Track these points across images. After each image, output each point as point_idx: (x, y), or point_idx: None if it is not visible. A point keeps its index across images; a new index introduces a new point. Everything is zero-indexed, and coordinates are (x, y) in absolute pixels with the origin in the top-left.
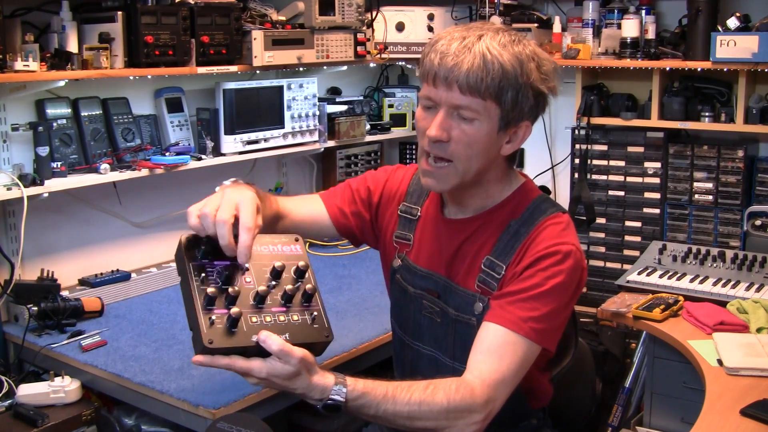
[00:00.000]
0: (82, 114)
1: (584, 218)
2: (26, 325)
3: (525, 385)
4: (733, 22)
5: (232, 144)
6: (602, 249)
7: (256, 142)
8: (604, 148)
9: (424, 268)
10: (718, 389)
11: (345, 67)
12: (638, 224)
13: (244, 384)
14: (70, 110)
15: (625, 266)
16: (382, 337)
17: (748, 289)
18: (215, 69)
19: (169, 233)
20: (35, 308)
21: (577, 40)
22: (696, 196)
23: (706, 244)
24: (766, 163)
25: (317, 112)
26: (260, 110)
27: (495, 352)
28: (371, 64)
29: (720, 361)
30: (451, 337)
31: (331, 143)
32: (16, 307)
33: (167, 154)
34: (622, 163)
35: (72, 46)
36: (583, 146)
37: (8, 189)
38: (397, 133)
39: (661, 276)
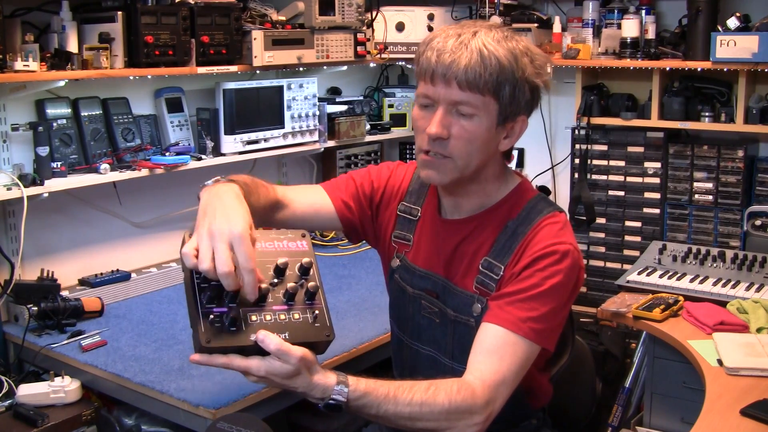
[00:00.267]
0: (82, 114)
1: (584, 218)
2: (26, 325)
3: (525, 385)
4: (733, 22)
5: (232, 144)
6: (602, 249)
7: (256, 142)
8: (604, 148)
9: (423, 269)
10: (718, 389)
11: (345, 67)
12: (638, 224)
13: (244, 384)
14: (70, 110)
15: (625, 266)
16: (382, 337)
17: (748, 289)
18: (215, 69)
19: (169, 233)
20: (35, 308)
21: (577, 40)
22: (696, 196)
23: (706, 244)
24: (766, 163)
25: (317, 112)
26: (260, 110)
27: (495, 353)
28: (371, 64)
29: (720, 361)
30: (449, 337)
31: (331, 143)
32: (16, 307)
33: (167, 154)
34: (622, 163)
35: (72, 46)
36: (583, 146)
37: (8, 189)
38: (397, 133)
39: (661, 276)
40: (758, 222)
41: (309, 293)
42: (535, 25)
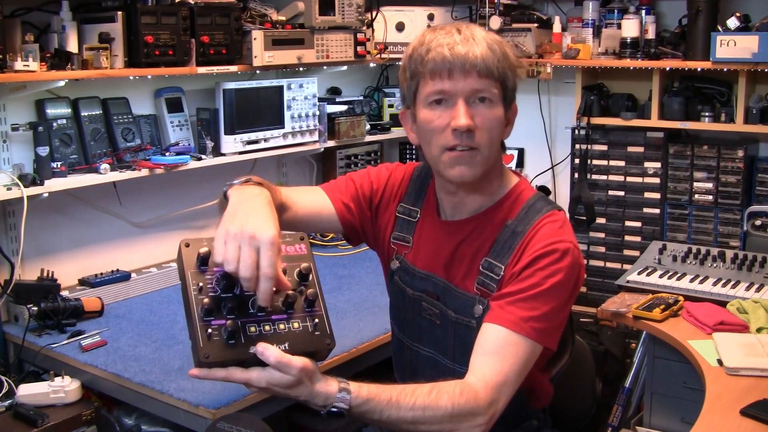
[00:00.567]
0: (82, 114)
1: (584, 218)
2: (26, 325)
3: (526, 385)
4: (733, 22)
5: (232, 144)
6: (602, 249)
7: (256, 142)
8: (604, 148)
9: (423, 270)
10: (718, 389)
11: (345, 67)
12: (638, 224)
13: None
14: (70, 110)
15: (625, 266)
16: (382, 337)
17: (748, 289)
18: (215, 69)
19: (169, 233)
20: (35, 308)
21: (577, 40)
22: (696, 196)
23: (706, 244)
24: (766, 163)
25: (317, 112)
26: (260, 110)
27: (497, 354)
28: (371, 64)
29: (720, 361)
30: (450, 338)
31: (331, 143)
32: (16, 307)
33: (167, 154)
34: (622, 163)
35: (72, 46)
36: (583, 146)
37: (8, 189)
38: (397, 133)
39: (661, 276)
40: (758, 222)
41: (308, 300)
42: (535, 25)
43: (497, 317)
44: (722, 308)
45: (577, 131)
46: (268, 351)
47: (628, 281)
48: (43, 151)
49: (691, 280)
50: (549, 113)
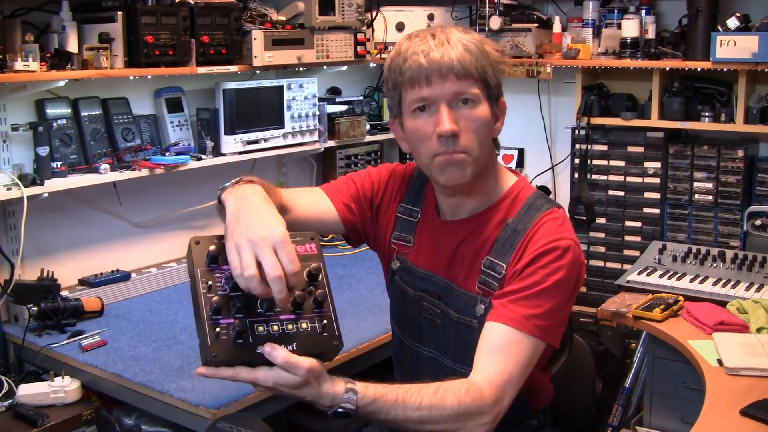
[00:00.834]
0: (82, 114)
1: (584, 218)
2: (26, 325)
3: (526, 385)
4: (733, 22)
5: (232, 144)
6: (602, 249)
7: (256, 142)
8: (604, 148)
9: (424, 270)
10: (718, 389)
11: (345, 67)
12: (638, 224)
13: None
14: (70, 110)
15: (625, 266)
16: (382, 337)
17: (748, 289)
18: (215, 69)
19: (169, 233)
20: (35, 308)
21: (577, 40)
22: (696, 196)
23: (706, 244)
24: (766, 163)
25: (317, 112)
26: (260, 110)
27: (501, 352)
28: (371, 64)
29: (720, 361)
30: (451, 338)
31: (331, 143)
32: (16, 307)
33: (167, 154)
34: (622, 163)
35: (72, 46)
36: (583, 146)
37: (8, 189)
38: None
39: (661, 276)
40: (758, 222)
41: (317, 301)
42: (535, 25)
43: (500, 315)
44: (722, 308)
45: (577, 131)
46: (275, 351)
47: (628, 281)
48: (43, 151)
49: (691, 280)
50: (549, 113)
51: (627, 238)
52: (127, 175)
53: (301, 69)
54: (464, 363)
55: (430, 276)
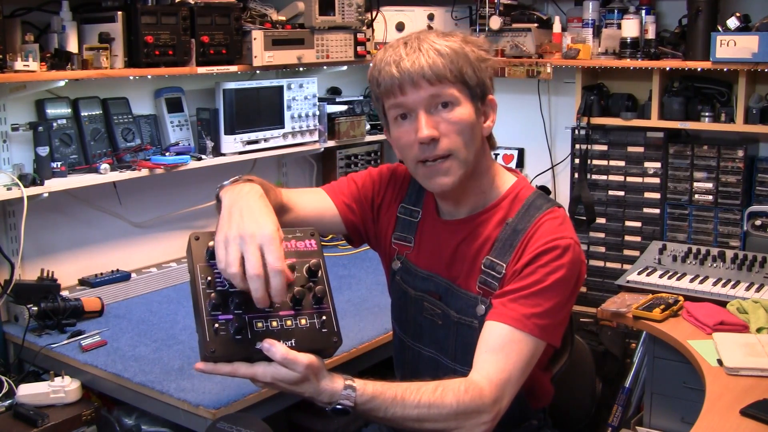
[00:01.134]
0: (82, 114)
1: (584, 218)
2: (26, 325)
3: (526, 385)
4: (733, 22)
5: (232, 144)
6: (602, 249)
7: (256, 142)
8: (604, 148)
9: (425, 270)
10: (718, 389)
11: (345, 67)
12: (638, 224)
13: (244, 384)
14: (70, 110)
15: (625, 266)
16: (382, 337)
17: (748, 289)
18: (215, 69)
19: (169, 233)
20: (35, 308)
21: (577, 40)
22: (696, 196)
23: (706, 244)
24: (766, 163)
25: (317, 112)
26: (260, 110)
27: (500, 351)
28: (371, 66)
29: (720, 361)
30: (452, 339)
31: (331, 143)
32: (16, 307)
33: (167, 154)
34: (622, 163)
35: (72, 46)
36: (583, 146)
37: (8, 189)
38: None
39: (661, 276)
40: (758, 222)
41: (317, 297)
42: (535, 25)
43: (500, 315)
44: (722, 308)
45: (577, 131)
46: (274, 348)
47: (628, 281)
48: (43, 151)
49: (691, 280)
50: (549, 113)
51: (627, 238)
52: (127, 175)
53: (301, 69)
54: (465, 363)
55: (430, 276)
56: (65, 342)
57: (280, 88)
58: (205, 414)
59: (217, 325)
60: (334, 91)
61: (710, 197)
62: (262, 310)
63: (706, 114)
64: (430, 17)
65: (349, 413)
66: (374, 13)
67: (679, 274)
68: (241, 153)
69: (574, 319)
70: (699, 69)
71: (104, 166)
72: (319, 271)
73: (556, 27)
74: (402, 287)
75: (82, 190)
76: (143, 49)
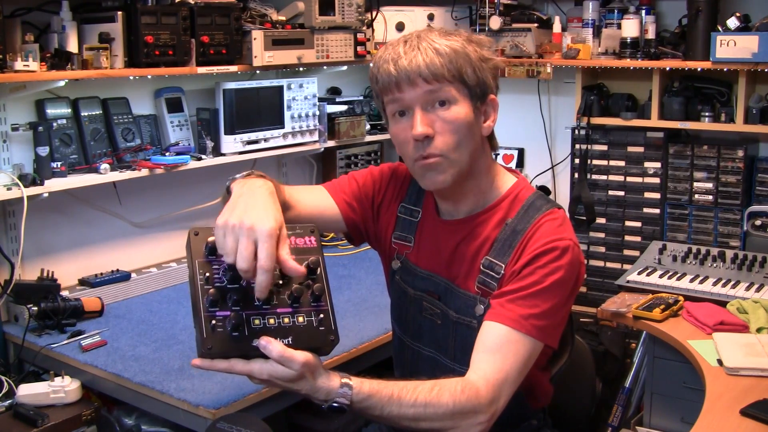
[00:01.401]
0: (82, 114)
1: (584, 218)
2: (26, 325)
3: (525, 385)
4: (733, 22)
5: (232, 144)
6: (602, 249)
7: (256, 142)
8: (604, 148)
9: (425, 270)
10: (718, 389)
11: (345, 67)
12: (638, 224)
13: (244, 384)
14: (70, 110)
15: (625, 266)
16: (382, 337)
17: (748, 289)
18: (215, 69)
19: (169, 233)
20: (35, 308)
21: (577, 40)
22: (696, 196)
23: (706, 244)
24: (766, 163)
25: (317, 112)
26: (260, 110)
27: (498, 351)
28: (371, 64)
29: (720, 361)
30: (451, 338)
31: (331, 143)
32: (16, 307)
33: (167, 154)
34: (622, 163)
35: (72, 46)
36: (583, 146)
37: (8, 189)
38: None
39: (661, 276)
40: (758, 222)
41: (315, 295)
42: (535, 25)
43: (498, 315)
44: (722, 308)
45: (577, 131)
46: (271, 345)
47: (628, 281)
48: (43, 151)
49: (691, 280)
50: (549, 113)
51: (627, 238)
52: (127, 175)
53: (301, 69)
54: (464, 363)
55: (430, 276)
56: (65, 342)
57: (280, 88)
58: (205, 414)
59: (214, 322)
60: (334, 91)
61: (710, 197)
62: (260, 307)
63: (706, 114)
64: (430, 17)
65: (345, 411)
66: (374, 13)
67: (679, 274)
68: (241, 153)
69: (574, 319)
70: (699, 69)
71: (104, 166)
72: (318, 269)
73: (556, 27)
74: (401, 287)
75: (82, 190)
76: (143, 49)
